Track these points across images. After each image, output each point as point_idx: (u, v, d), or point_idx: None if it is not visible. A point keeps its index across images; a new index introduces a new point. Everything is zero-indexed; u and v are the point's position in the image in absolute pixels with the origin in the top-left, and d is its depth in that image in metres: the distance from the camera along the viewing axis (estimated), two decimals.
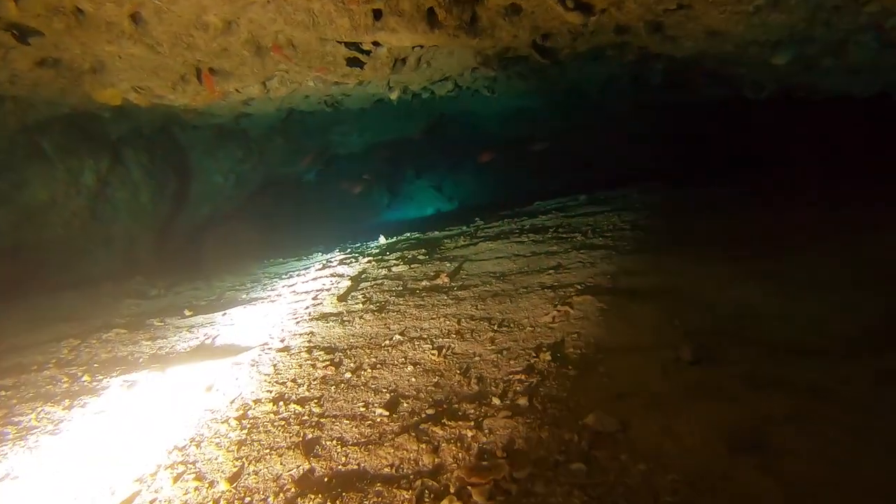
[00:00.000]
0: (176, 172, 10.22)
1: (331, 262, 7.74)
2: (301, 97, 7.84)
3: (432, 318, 4.32)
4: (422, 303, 4.71)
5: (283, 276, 7.29)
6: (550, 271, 5.07)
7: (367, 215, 15.03)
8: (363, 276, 6.06)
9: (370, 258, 7.14)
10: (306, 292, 5.84)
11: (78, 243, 8.59)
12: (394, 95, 7.23)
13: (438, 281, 5.28)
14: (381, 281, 5.66)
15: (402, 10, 4.63)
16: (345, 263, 7.11)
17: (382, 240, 9.08)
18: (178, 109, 8.12)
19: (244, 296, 6.55)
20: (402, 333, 4.12)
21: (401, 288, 5.26)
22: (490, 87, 9.32)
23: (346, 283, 5.76)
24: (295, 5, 4.69)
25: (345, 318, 4.61)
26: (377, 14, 4.79)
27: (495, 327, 4.01)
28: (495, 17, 4.83)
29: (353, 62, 5.69)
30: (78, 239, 8.54)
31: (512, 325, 4.01)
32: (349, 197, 14.23)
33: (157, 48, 5.00)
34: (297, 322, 4.74)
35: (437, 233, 8.57)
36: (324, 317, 4.77)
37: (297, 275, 7.18)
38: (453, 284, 5.13)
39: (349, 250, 8.61)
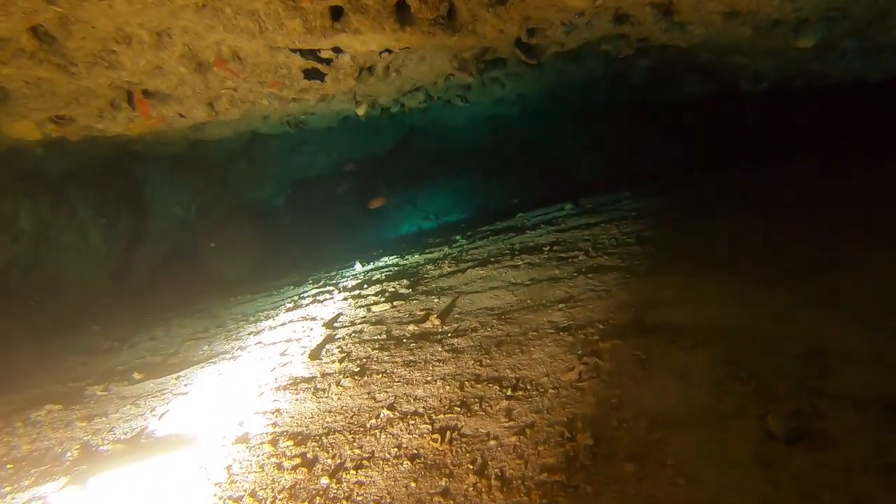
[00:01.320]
0: (130, 207, 9.14)
1: (303, 298, 6.75)
2: (258, 118, 6.86)
3: (427, 382, 3.36)
4: (412, 357, 3.76)
5: (250, 320, 6.28)
6: (560, 305, 4.15)
7: (340, 237, 14.01)
8: (339, 319, 5.08)
9: (346, 293, 6.16)
10: (273, 344, 4.85)
11: (18, 295, 7.47)
12: (361, 111, 6.28)
13: (428, 324, 4.33)
14: (359, 327, 4.68)
15: (366, 6, 3.69)
16: (318, 301, 6.12)
17: (359, 267, 8.10)
18: (123, 140, 7.08)
19: (205, 348, 5.53)
20: (391, 407, 3.16)
21: (384, 336, 4.30)
22: (463, 96, 8.43)
23: (320, 332, 4.78)
24: (235, 7, 3.73)
25: (319, 386, 3.63)
26: (336, 13, 3.85)
27: (509, 391, 3.07)
28: (477, 8, 3.91)
29: (311, 74, 4.73)
30: (18, 290, 7.42)
31: (529, 388, 3.07)
32: (319, 221, 13.22)
33: (71, 69, 3.99)
34: (261, 393, 3.75)
35: (417, 256, 7.62)
36: (293, 383, 3.78)
37: (265, 317, 6.17)
38: (446, 329, 4.18)
39: (322, 282, 7.61)
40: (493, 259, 5.97)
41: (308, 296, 6.79)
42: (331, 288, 6.86)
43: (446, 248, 7.55)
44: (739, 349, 3.02)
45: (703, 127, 10.42)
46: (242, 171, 11.05)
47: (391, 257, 8.17)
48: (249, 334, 5.59)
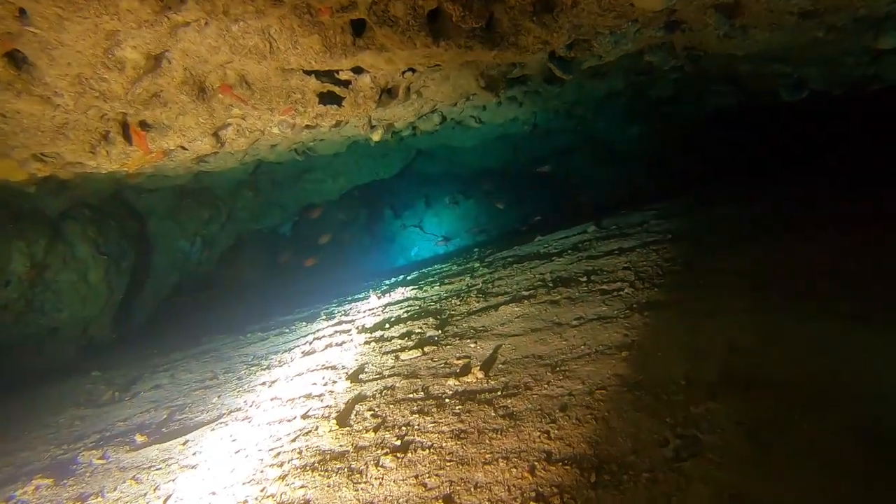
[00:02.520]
0: (133, 242, 8.52)
1: (319, 338, 6.11)
2: (266, 147, 6.26)
3: (487, 462, 2.72)
4: (461, 426, 3.11)
5: (262, 366, 5.63)
6: (623, 354, 3.52)
7: (350, 263, 13.38)
8: (365, 370, 4.44)
9: (366, 334, 5.53)
10: (291, 401, 4.21)
11: (14, 340, 6.84)
12: (376, 136, 5.69)
13: (471, 378, 3.70)
14: (390, 381, 4.04)
15: (394, 18, 3.10)
16: (336, 345, 5.48)
17: (374, 300, 7.47)
18: (123, 174, 6.48)
19: (214, 400, 4.90)
20: (447, 499, 2.51)
21: (422, 394, 3.65)
22: (477, 117, 7.86)
23: (345, 387, 4.14)
24: (244, 25, 3.12)
25: (353, 465, 2.98)
26: (358, 27, 3.25)
27: (592, 477, 2.43)
28: (520, 17, 3.32)
29: (327, 98, 4.14)
30: (13, 335, 6.79)
31: (617, 470, 2.43)
32: (327, 247, 12.60)
33: (55, 100, 3.38)
34: (284, 473, 3.09)
35: (437, 288, 6.99)
36: (322, 461, 3.12)
37: (279, 363, 5.52)
38: (494, 385, 3.54)
39: (336, 318, 6.97)
40: (526, 293, 5.34)
41: (324, 335, 6.15)
42: (347, 326, 6.23)
43: (468, 279, 6.93)
44: (879, 414, 2.39)
45: (726, 139, 9.84)
46: (248, 200, 10.46)
47: (408, 288, 7.54)
48: (263, 385, 4.94)
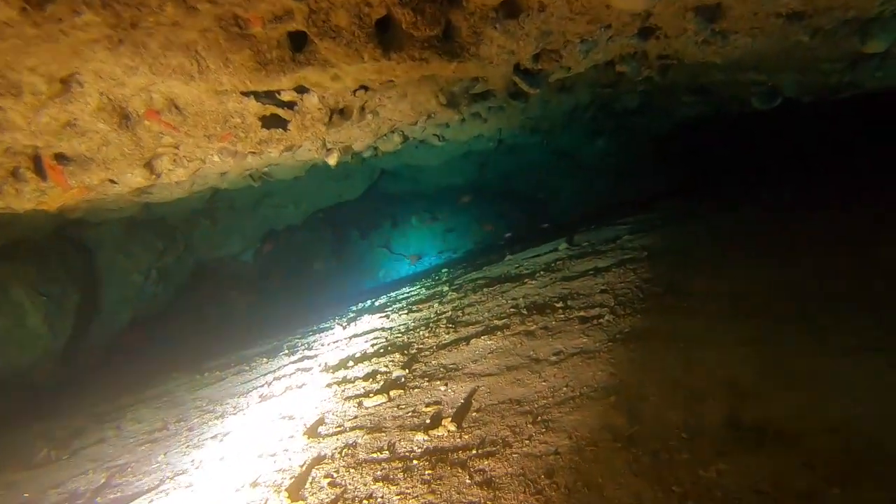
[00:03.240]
0: (79, 280, 7.87)
1: (279, 378, 5.58)
2: (215, 175, 5.73)
3: None
4: (431, 498, 2.62)
5: (216, 413, 5.08)
6: (611, 398, 3.08)
7: (315, 289, 12.80)
8: (325, 420, 3.92)
9: (329, 374, 5.01)
10: (241, 462, 3.67)
11: None
12: (332, 160, 5.21)
13: (441, 431, 3.22)
14: (352, 436, 3.53)
15: (337, 28, 2.66)
16: (296, 387, 4.96)
17: (339, 331, 6.96)
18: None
19: (160, 458, 4.34)
20: None
21: (387, 454, 3.16)
22: (441, 135, 7.43)
23: (301, 444, 3.62)
24: (163, 40, 2.63)
25: None
26: (297, 41, 2.78)
27: None
28: (481, 24, 2.89)
29: (271, 122, 3.65)
30: None
31: None
32: (291, 273, 12.04)
33: None
34: None
35: (404, 316, 6.51)
36: None
37: (233, 409, 4.98)
38: (468, 440, 3.07)
39: (299, 353, 6.44)
40: (498, 322, 4.89)
41: (284, 375, 5.61)
42: (309, 364, 5.70)
43: (437, 305, 6.46)
44: None
45: (695, 151, 9.59)
46: (205, 229, 9.87)
47: (374, 316, 7.04)
48: (214, 439, 4.39)
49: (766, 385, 2.80)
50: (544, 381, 3.50)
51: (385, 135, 6.13)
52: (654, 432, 2.64)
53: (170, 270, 9.56)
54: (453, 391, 3.74)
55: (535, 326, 4.50)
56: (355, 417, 3.78)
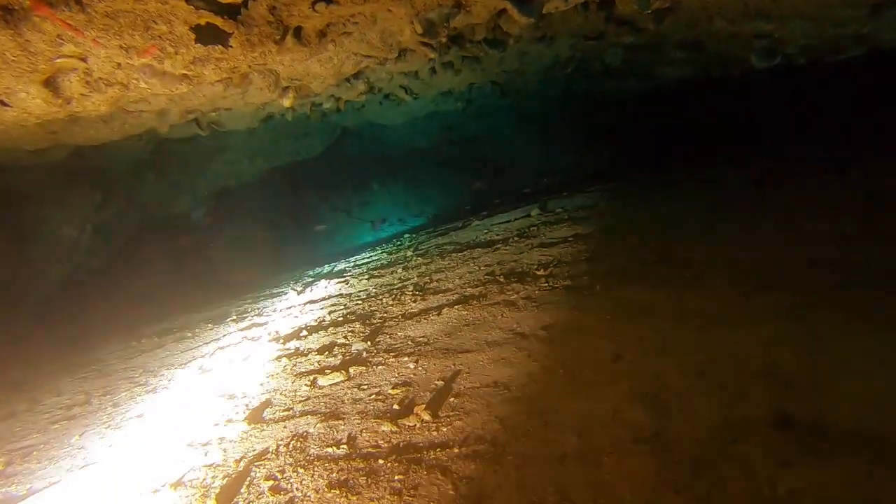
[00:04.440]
0: (1, 232, 6.84)
1: (222, 347, 4.81)
2: (152, 115, 4.84)
3: None
4: None
5: (148, 386, 4.30)
6: (623, 383, 2.45)
7: (270, 253, 11.90)
8: (272, 402, 3.20)
9: (279, 345, 4.27)
10: (168, 456, 2.93)
11: None
12: (288, 101, 4.40)
13: (412, 421, 2.54)
14: (302, 421, 2.82)
15: None
16: (241, 359, 4.21)
17: (293, 297, 6.19)
18: None
19: (74, 440, 3.55)
20: None
21: (345, 448, 2.46)
22: (408, 87, 6.63)
23: (240, 431, 2.89)
24: None
25: None
26: None
27: None
28: None
29: (208, 35, 2.83)
30: None
31: None
32: (247, 236, 11.13)
33: None
34: None
35: (364, 281, 5.79)
36: None
37: (167, 382, 4.21)
38: (447, 434, 2.40)
39: (248, 320, 5.67)
40: (473, 291, 4.22)
41: (228, 344, 4.85)
42: (258, 332, 4.94)
43: (400, 271, 5.76)
44: None
45: (671, 116, 9.01)
46: (151, 183, 8.86)
47: (332, 282, 6.30)
48: (139, 418, 3.63)
49: (811, 370, 2.21)
50: (535, 361, 2.85)
51: (348, 79, 5.33)
52: (686, 433, 2.02)
53: (109, 226, 8.55)
54: (425, 370, 3.06)
55: (515, 296, 3.85)
56: (307, 399, 3.07)
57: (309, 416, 2.83)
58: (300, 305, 5.61)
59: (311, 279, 7.13)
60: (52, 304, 8.00)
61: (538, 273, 4.24)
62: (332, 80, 4.66)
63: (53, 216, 7.64)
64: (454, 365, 3.03)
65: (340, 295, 5.52)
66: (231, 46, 2.88)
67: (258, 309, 6.16)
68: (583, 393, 2.43)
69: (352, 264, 7.48)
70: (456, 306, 3.92)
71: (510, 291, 3.96)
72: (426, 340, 3.49)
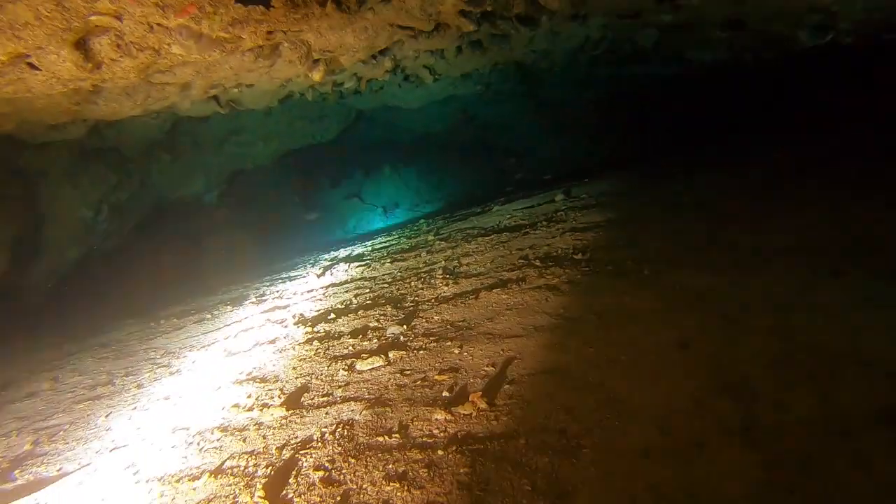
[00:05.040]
0: (16, 212, 6.65)
1: (245, 329, 4.61)
2: (175, 90, 4.61)
3: None
4: None
5: (172, 368, 4.11)
6: (699, 373, 2.24)
7: (283, 237, 11.69)
8: (308, 387, 2.99)
9: (307, 328, 4.07)
10: (200, 435, 2.73)
11: None
12: (318, 75, 4.17)
13: (468, 409, 2.33)
14: (345, 408, 2.62)
15: None
16: (267, 341, 4.01)
17: (313, 279, 5.98)
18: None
19: (100, 421, 3.36)
20: None
21: (397, 438, 2.25)
22: (433, 68, 6.39)
23: (278, 416, 2.68)
24: None
25: None
26: None
27: None
28: None
29: None
30: None
31: None
32: (259, 219, 10.92)
33: None
34: None
35: (388, 265, 5.58)
36: None
37: (191, 364, 4.01)
38: (509, 423, 2.19)
39: (269, 302, 5.47)
40: (509, 274, 4.01)
41: (251, 326, 4.64)
42: (282, 315, 4.74)
43: (425, 255, 5.54)
44: None
45: (691, 106, 8.72)
46: (165, 164, 8.64)
47: (353, 265, 6.08)
48: (166, 400, 3.43)
49: None
50: (591, 348, 2.64)
51: (375, 55, 5.09)
52: (783, 427, 1.81)
53: (124, 206, 8.34)
54: (471, 355, 2.85)
55: (557, 280, 3.63)
56: (346, 384, 2.86)
57: (352, 403, 2.63)
58: (322, 288, 5.41)
59: (328, 262, 6.92)
60: (69, 283, 7.81)
61: (576, 257, 4.02)
62: (362, 55, 4.42)
63: (70, 196, 7.43)
64: (503, 350, 2.82)
65: (364, 278, 5.31)
66: (273, 7, 2.64)
67: (277, 292, 5.96)
68: (654, 382, 2.22)
69: (369, 248, 7.27)
70: (494, 290, 3.71)
71: (550, 275, 3.74)
72: (467, 325, 3.28)
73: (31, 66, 2.82)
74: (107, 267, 8.52)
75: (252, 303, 5.68)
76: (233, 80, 4.76)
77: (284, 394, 2.94)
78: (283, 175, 11.87)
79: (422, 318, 3.61)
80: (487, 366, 2.70)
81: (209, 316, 5.60)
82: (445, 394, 2.53)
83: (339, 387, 2.85)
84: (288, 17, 2.77)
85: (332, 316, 4.17)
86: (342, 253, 7.53)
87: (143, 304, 7.37)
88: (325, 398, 2.75)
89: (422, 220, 8.83)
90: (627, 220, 4.79)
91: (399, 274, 5.06)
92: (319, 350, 3.48)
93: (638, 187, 6.11)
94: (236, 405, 2.97)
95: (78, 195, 7.63)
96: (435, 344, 3.11)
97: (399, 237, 7.47)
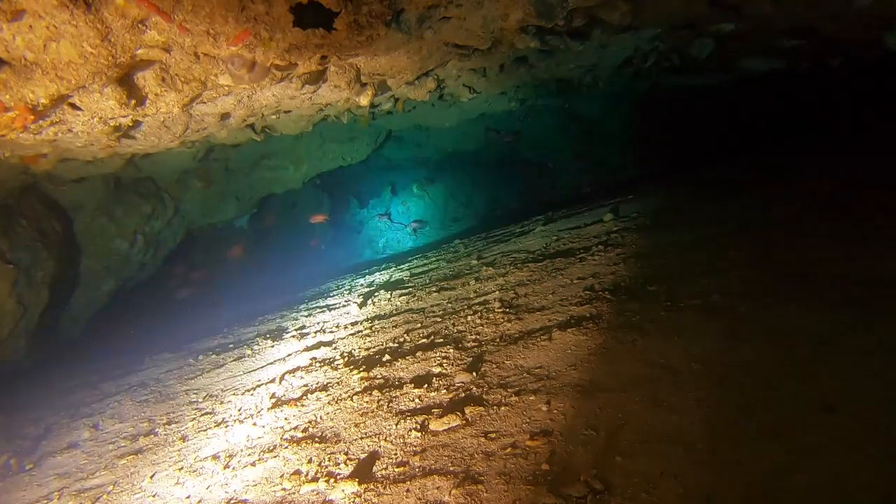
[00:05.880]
0: (54, 246, 6.40)
1: (291, 371, 4.26)
2: (214, 119, 4.30)
3: None
4: None
5: (216, 415, 3.76)
6: (869, 454, 1.82)
7: (312, 258, 11.39)
8: (377, 453, 2.62)
9: (359, 372, 3.70)
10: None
11: None
12: (365, 99, 3.84)
13: (578, 491, 1.93)
14: (429, 485, 2.24)
15: None
16: (317, 388, 3.65)
17: (355, 310, 5.63)
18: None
19: (144, 483, 3.02)
20: None
21: None
22: (472, 86, 6.05)
23: (351, 496, 2.31)
24: None
25: None
26: None
27: None
28: None
29: (307, 16, 2.26)
30: None
31: None
32: (283, 241, 10.65)
33: None
34: None
35: (435, 294, 5.19)
36: None
37: (238, 414, 3.66)
38: None
39: (310, 335, 5.13)
40: (579, 309, 3.60)
41: (297, 367, 4.29)
42: (328, 353, 4.39)
43: (472, 282, 5.17)
44: None
45: (741, 113, 8.26)
46: (197, 191, 8.39)
47: (394, 293, 5.72)
48: (215, 460, 3.07)
49: None
50: (707, 408, 2.23)
51: (419, 77, 4.75)
52: None
53: (159, 236, 8.10)
54: (563, 414, 2.46)
55: (638, 318, 3.23)
56: (423, 450, 2.48)
57: (435, 477, 2.24)
58: (367, 321, 5.05)
59: (367, 290, 6.56)
60: (105, 315, 7.56)
61: (651, 289, 3.61)
62: (410, 76, 4.08)
63: (105, 227, 7.19)
64: (599, 409, 2.42)
65: (411, 310, 4.94)
66: (336, 30, 2.30)
67: (318, 324, 5.61)
68: (813, 460, 1.81)
69: (408, 273, 6.90)
70: (568, 330, 3.31)
71: (629, 312, 3.33)
72: (547, 374, 2.89)
73: (73, 106, 2.51)
74: (142, 298, 8.28)
75: (293, 336, 5.35)
76: (273, 108, 4.44)
77: (351, 460, 2.57)
78: (311, 197, 11.60)
79: (491, 362, 3.22)
80: (586, 429, 2.30)
81: (249, 352, 5.26)
82: (545, 466, 2.14)
83: (415, 453, 2.47)
84: (351, 40, 2.42)
85: (387, 358, 3.80)
86: (378, 278, 7.19)
87: (177, 334, 7.08)
88: (402, 469, 2.37)
89: (457, 241, 8.45)
90: (694, 243, 4.36)
91: (450, 306, 4.68)
92: (381, 402, 3.11)
93: (692, 203, 5.67)
94: (297, 473, 2.60)
95: (113, 227, 7.40)
96: (516, 398, 2.71)
97: (438, 260, 7.11)
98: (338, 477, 2.44)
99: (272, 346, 5.23)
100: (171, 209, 8.07)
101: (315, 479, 2.49)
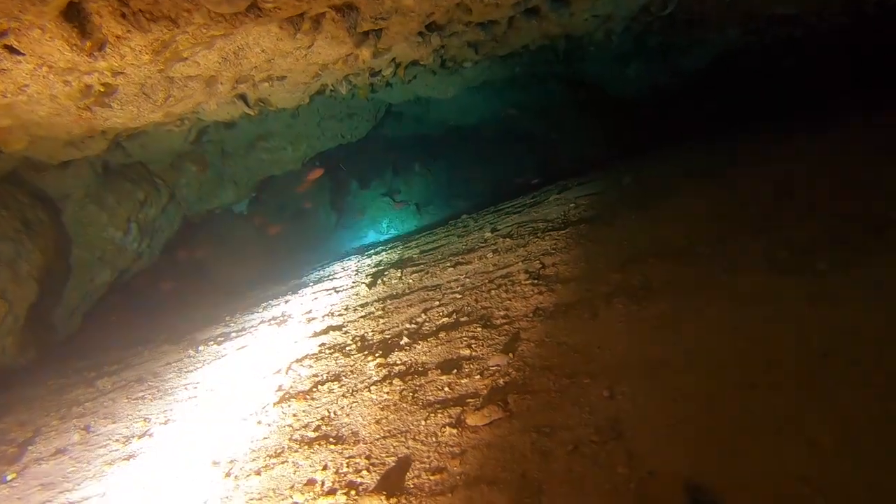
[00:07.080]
0: (39, 237, 5.87)
1: (299, 361, 3.76)
2: (201, 83, 3.75)
3: None
4: None
5: (216, 411, 3.27)
6: None
7: (314, 242, 10.87)
8: (411, 456, 2.12)
9: (375, 357, 3.20)
10: None
11: None
12: (366, 51, 3.30)
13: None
14: (477, 497, 1.74)
15: None
16: (330, 377, 3.15)
17: (364, 291, 5.13)
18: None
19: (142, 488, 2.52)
20: None
21: None
22: (478, 45, 5.52)
23: None
24: None
25: None
26: None
27: None
28: None
29: None
30: None
31: None
32: (289, 226, 10.11)
33: None
34: None
35: (451, 269, 4.69)
36: None
37: (241, 414, 3.17)
38: None
39: (317, 319, 4.63)
40: (618, 276, 3.09)
41: (307, 356, 3.80)
42: (339, 338, 3.89)
43: (490, 255, 4.69)
44: None
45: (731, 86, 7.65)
46: (192, 176, 7.84)
47: (406, 271, 5.22)
48: (214, 464, 2.58)
49: None
50: (803, 391, 1.73)
51: (423, 33, 4.19)
52: None
53: (154, 224, 7.56)
54: (630, 402, 1.96)
55: (695, 283, 2.71)
56: (462, 452, 1.98)
57: (484, 487, 1.75)
58: (378, 302, 4.55)
59: (375, 269, 6.06)
60: (100, 308, 7.06)
61: (703, 251, 3.10)
62: (416, 23, 3.52)
63: (96, 216, 6.66)
64: (677, 395, 1.91)
65: (426, 287, 4.44)
66: None
67: (325, 308, 5.12)
68: None
69: (417, 251, 6.40)
70: (614, 300, 2.80)
71: (684, 277, 2.82)
72: (599, 352, 2.38)
73: (11, 49, 1.97)
74: (139, 287, 7.78)
75: (299, 322, 4.85)
76: (264, 71, 3.89)
77: (375, 466, 2.07)
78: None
79: (528, 341, 2.72)
80: (664, 424, 1.80)
81: (253, 338, 4.77)
82: (621, 470, 1.64)
83: (453, 455, 1.97)
84: None
85: (406, 340, 3.30)
86: (386, 257, 6.68)
87: (177, 324, 6.60)
88: (439, 478, 1.88)
89: (465, 216, 7.94)
90: (733, 203, 3.84)
91: (469, 281, 4.18)
92: (405, 392, 2.61)
93: (719, 167, 5.13)
94: (310, 483, 2.11)
95: (104, 215, 6.86)
96: (568, 381, 2.21)
97: (448, 236, 6.60)
98: (360, 489, 1.95)
99: (277, 333, 4.75)
100: (165, 195, 7.53)
101: (332, 492, 2.00)
